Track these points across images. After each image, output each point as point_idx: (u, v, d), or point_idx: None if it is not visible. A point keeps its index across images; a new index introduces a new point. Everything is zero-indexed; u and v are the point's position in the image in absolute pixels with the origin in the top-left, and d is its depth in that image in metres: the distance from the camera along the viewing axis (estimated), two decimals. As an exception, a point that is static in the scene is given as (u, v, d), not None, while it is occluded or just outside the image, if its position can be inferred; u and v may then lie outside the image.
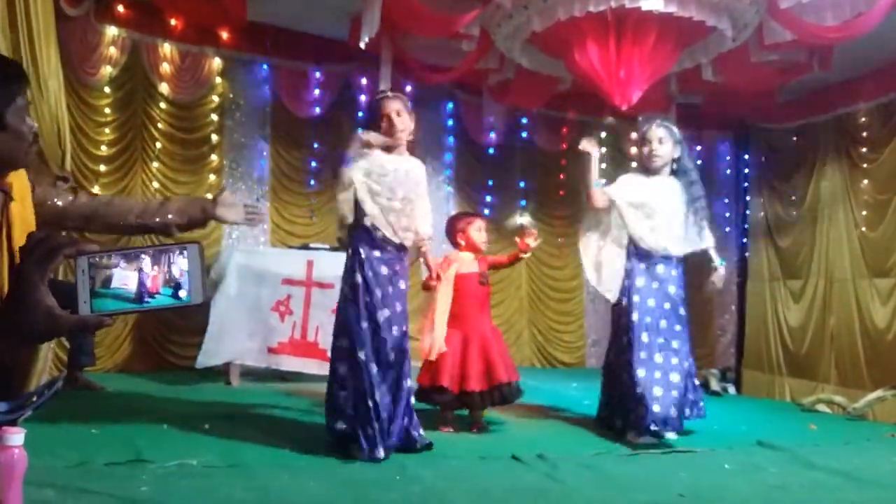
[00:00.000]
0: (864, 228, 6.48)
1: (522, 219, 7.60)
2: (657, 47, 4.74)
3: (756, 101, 6.72)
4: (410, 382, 3.56)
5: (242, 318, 5.12)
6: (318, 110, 6.59)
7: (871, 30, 4.62)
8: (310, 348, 5.14)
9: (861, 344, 6.36)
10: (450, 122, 7.32)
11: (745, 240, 7.89)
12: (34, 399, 1.98)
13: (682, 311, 4.17)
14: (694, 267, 8.11)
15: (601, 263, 4.25)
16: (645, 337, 4.01)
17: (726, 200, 8.18)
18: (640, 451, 3.73)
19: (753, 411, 5.64)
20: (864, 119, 6.53)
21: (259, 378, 5.39)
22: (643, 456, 3.64)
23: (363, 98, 6.63)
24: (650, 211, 4.08)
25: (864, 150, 6.53)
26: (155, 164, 6.03)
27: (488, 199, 7.49)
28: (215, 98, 6.28)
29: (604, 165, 7.87)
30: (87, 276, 0.98)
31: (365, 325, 3.38)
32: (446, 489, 2.85)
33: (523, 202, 7.56)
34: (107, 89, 5.83)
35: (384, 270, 3.46)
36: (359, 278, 3.42)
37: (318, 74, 6.53)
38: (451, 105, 7.24)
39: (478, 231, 4.26)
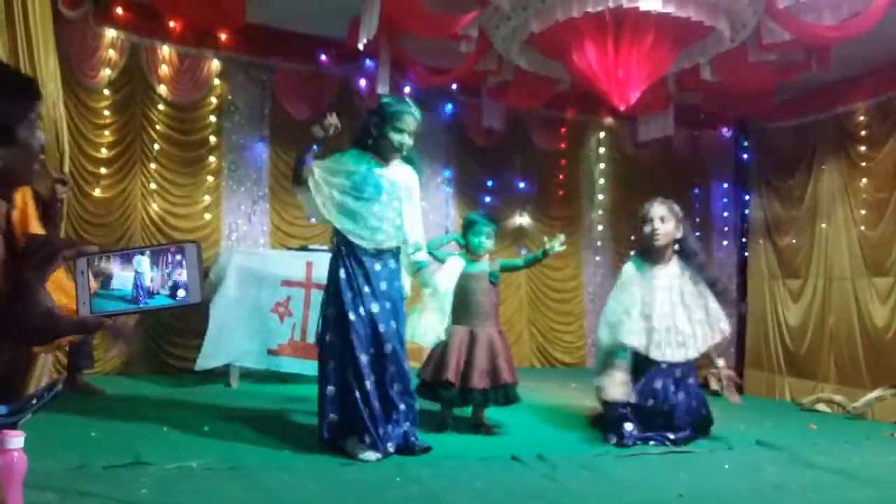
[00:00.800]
0: (862, 227, 6.49)
1: (522, 219, 7.64)
2: (655, 47, 4.75)
3: (754, 101, 6.72)
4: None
5: (242, 320, 5.12)
6: (316, 112, 6.58)
7: (868, 29, 4.63)
8: (309, 350, 5.12)
9: (860, 343, 6.36)
10: (448, 123, 7.32)
11: (744, 239, 7.90)
12: (34, 402, 1.99)
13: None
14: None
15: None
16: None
17: (725, 200, 8.20)
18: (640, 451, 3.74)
19: (753, 411, 5.64)
20: (862, 118, 6.54)
21: (259, 380, 5.39)
22: (642, 456, 3.64)
23: (362, 100, 6.64)
24: (648, 311, 4.03)
25: (862, 148, 6.54)
26: (153, 166, 6.02)
27: (487, 199, 7.49)
28: (214, 100, 6.28)
29: (602, 165, 7.90)
30: (87, 278, 0.99)
31: (352, 317, 3.42)
32: (445, 489, 2.86)
33: (523, 205, 7.57)
34: (106, 91, 5.82)
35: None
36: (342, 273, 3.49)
37: (316, 76, 6.53)
38: (449, 106, 7.24)
39: (473, 235, 4.26)
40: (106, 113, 5.84)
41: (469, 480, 3.05)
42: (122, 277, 1.00)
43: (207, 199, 6.24)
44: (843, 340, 6.55)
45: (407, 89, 6.52)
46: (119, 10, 5.71)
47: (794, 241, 7.23)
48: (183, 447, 3.30)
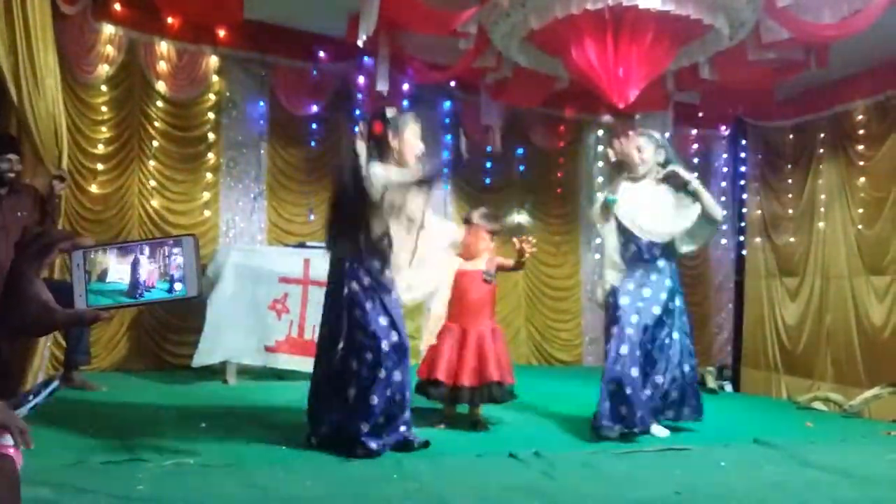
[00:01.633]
0: (860, 226, 6.50)
1: (520, 217, 7.63)
2: (654, 45, 4.75)
3: (753, 99, 6.74)
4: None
5: (239, 317, 5.12)
6: (315, 108, 6.58)
7: (867, 28, 4.63)
8: (307, 347, 5.13)
9: (857, 341, 6.37)
10: (447, 121, 7.32)
11: (741, 237, 7.91)
12: (31, 398, 1.99)
13: (663, 311, 4.10)
14: (689, 264, 8.14)
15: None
16: (611, 330, 4.05)
17: (723, 198, 8.19)
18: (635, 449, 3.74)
19: (750, 409, 5.65)
20: (860, 117, 6.55)
21: (256, 376, 5.38)
22: (640, 454, 3.64)
23: (360, 96, 6.64)
24: (636, 213, 4.11)
25: (860, 147, 6.55)
26: (152, 163, 6.02)
27: (486, 197, 7.48)
28: (212, 96, 6.27)
29: (600, 164, 7.90)
30: (83, 271, 0.99)
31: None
32: (444, 487, 2.86)
33: (526, 204, 7.56)
34: (104, 87, 5.81)
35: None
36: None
37: (315, 72, 6.52)
38: (448, 103, 7.24)
39: (471, 236, 4.27)
40: (104, 109, 5.83)
41: (467, 477, 3.06)
42: (118, 270, 0.99)
43: (206, 195, 6.24)
44: (840, 339, 6.56)
45: (406, 86, 6.52)
46: (117, 7, 5.70)
47: (792, 239, 7.24)
48: (180, 444, 3.30)
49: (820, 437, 4.38)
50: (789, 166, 7.33)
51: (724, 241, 8.14)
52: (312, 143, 6.65)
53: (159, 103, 6.06)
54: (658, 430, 4.04)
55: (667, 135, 6.87)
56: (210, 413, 4.02)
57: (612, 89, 4.78)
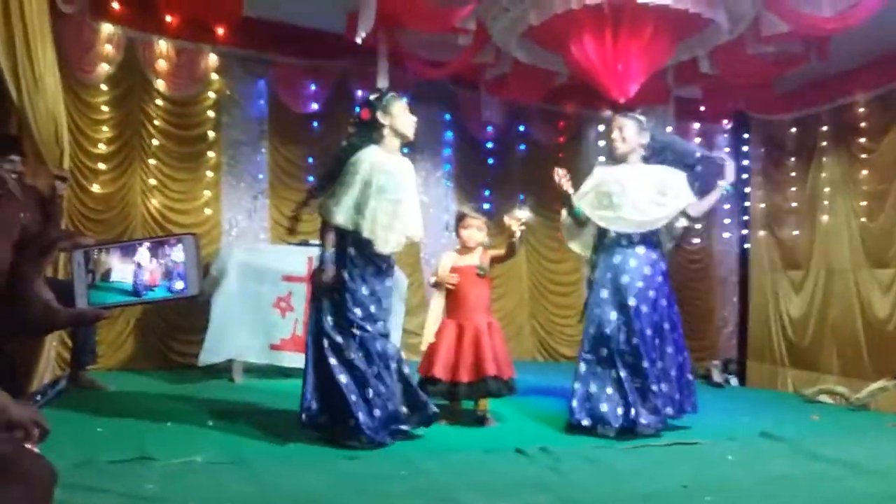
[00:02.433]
0: (863, 219, 6.49)
1: (522, 213, 7.61)
2: (654, 40, 4.74)
3: (754, 93, 6.72)
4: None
5: (244, 315, 5.12)
6: (315, 106, 6.58)
7: (867, 20, 4.62)
8: (311, 345, 5.14)
9: (862, 334, 6.36)
10: (447, 117, 7.31)
11: (745, 231, 7.89)
12: (38, 399, 1.98)
13: (646, 304, 4.04)
14: (693, 258, 8.14)
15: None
16: (588, 327, 4.07)
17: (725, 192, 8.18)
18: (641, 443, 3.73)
19: (756, 402, 5.65)
20: (862, 109, 6.53)
21: (262, 374, 5.39)
22: (646, 448, 3.64)
23: (360, 93, 6.62)
24: (612, 197, 4.11)
25: (862, 140, 6.53)
26: (152, 162, 6.01)
27: (487, 193, 7.48)
28: (212, 95, 6.26)
29: (602, 159, 7.89)
30: (84, 270, 0.99)
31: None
32: (451, 482, 2.86)
33: (521, 196, 7.55)
34: (103, 87, 5.81)
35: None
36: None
37: (314, 70, 6.51)
38: (448, 100, 7.23)
39: (463, 229, 4.29)
40: (104, 108, 5.82)
41: (474, 473, 3.06)
42: (119, 269, 1.00)
43: (207, 194, 6.24)
44: (845, 332, 6.55)
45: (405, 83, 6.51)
46: (115, 5, 5.68)
47: (795, 233, 7.23)
48: (187, 442, 3.30)
49: (826, 430, 4.39)
50: (792, 160, 7.31)
51: (727, 234, 8.13)
52: (313, 141, 6.64)
53: (159, 102, 6.05)
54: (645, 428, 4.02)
55: (668, 129, 6.90)
56: (217, 411, 4.03)
57: (612, 84, 4.78)
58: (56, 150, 4.59)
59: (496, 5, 4.97)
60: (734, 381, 7.09)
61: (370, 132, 3.64)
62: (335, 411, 3.44)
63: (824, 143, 6.93)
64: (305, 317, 5.16)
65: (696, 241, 8.13)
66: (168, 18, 5.85)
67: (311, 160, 6.59)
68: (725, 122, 7.99)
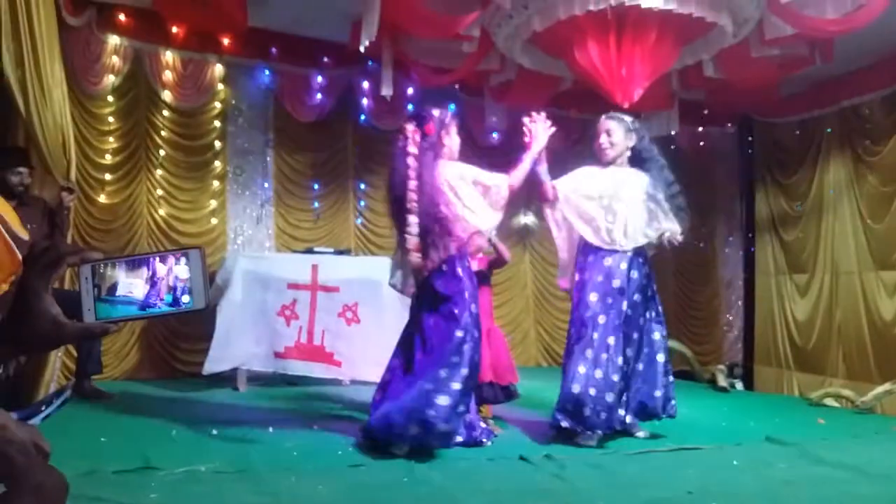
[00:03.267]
0: (869, 221, 6.47)
1: (526, 218, 7.63)
2: (658, 44, 4.74)
3: (758, 96, 6.71)
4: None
5: (249, 324, 5.13)
6: (320, 114, 6.60)
7: (871, 22, 4.61)
8: (316, 352, 5.15)
9: (868, 337, 6.34)
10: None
11: (750, 234, 7.88)
12: (43, 408, 1.99)
13: (629, 306, 3.96)
14: (698, 262, 8.12)
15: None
16: (576, 331, 3.95)
17: (730, 196, 8.18)
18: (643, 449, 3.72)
19: (761, 406, 5.63)
20: (867, 111, 6.52)
21: (266, 383, 5.40)
22: (651, 454, 3.63)
23: (365, 101, 6.65)
24: (602, 200, 4.00)
25: (868, 142, 6.52)
26: (159, 172, 6.04)
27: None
28: (218, 104, 6.29)
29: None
30: (91, 284, 0.99)
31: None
32: (454, 490, 2.86)
33: (525, 204, 7.56)
34: (110, 98, 5.84)
35: None
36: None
37: (319, 78, 6.54)
38: (452, 107, 7.22)
39: None
40: (110, 119, 5.86)
41: (478, 481, 3.06)
42: (126, 284, 1.00)
43: (213, 203, 6.26)
44: (850, 335, 6.53)
45: (410, 90, 6.52)
46: (122, 17, 5.72)
47: (801, 235, 7.21)
48: (192, 451, 3.31)
49: (832, 433, 4.36)
50: (796, 162, 7.30)
51: (731, 238, 8.12)
52: (318, 149, 6.67)
53: (165, 112, 6.08)
54: (639, 432, 4.01)
55: (672, 132, 6.90)
56: (221, 420, 4.04)
57: (617, 89, 4.77)
58: (63, 162, 4.62)
59: (500, 12, 4.98)
60: (739, 385, 7.06)
61: (431, 147, 3.68)
62: None
63: (829, 146, 6.91)
64: (310, 324, 5.19)
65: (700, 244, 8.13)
66: (174, 29, 5.90)
67: (316, 168, 6.61)
68: (730, 125, 7.98)
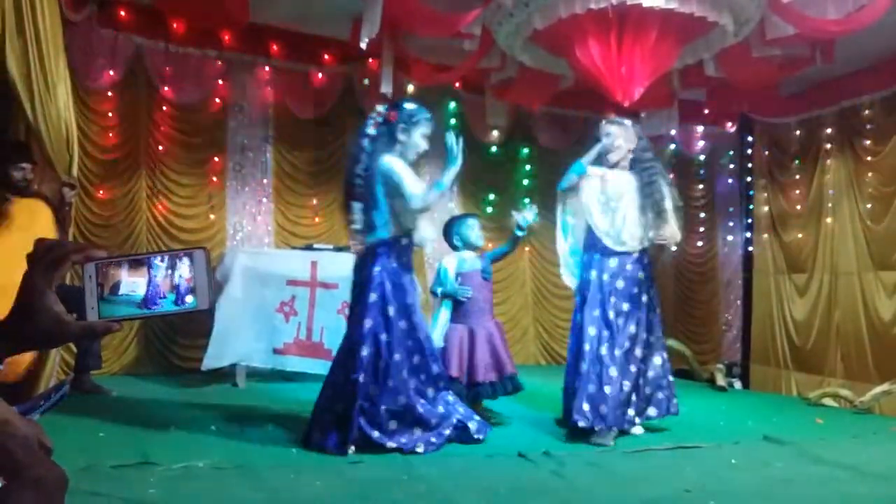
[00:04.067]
0: (868, 221, 6.47)
1: (530, 212, 7.61)
2: (659, 43, 4.74)
3: (759, 96, 6.71)
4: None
5: (248, 320, 5.13)
6: (320, 111, 6.59)
7: (873, 23, 4.61)
8: (315, 349, 5.15)
9: (867, 337, 6.34)
10: (452, 122, 7.32)
11: (749, 234, 7.88)
12: (42, 403, 1.99)
13: (633, 305, 4.01)
14: (697, 262, 8.12)
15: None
16: (592, 331, 3.96)
17: (730, 195, 8.17)
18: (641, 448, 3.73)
19: (760, 406, 5.63)
20: (867, 112, 6.52)
21: (265, 379, 5.40)
22: (649, 452, 3.64)
23: (365, 98, 6.64)
24: (610, 202, 4.05)
25: (868, 142, 6.52)
26: (158, 167, 6.04)
27: (492, 197, 7.49)
28: (218, 100, 6.29)
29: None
30: (95, 283, 0.99)
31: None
32: (453, 487, 2.86)
33: (527, 200, 7.55)
34: (110, 94, 5.83)
35: None
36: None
37: (319, 75, 6.54)
38: (453, 104, 7.24)
39: (470, 230, 4.34)
40: (110, 115, 5.85)
41: (476, 478, 3.06)
42: (129, 283, 1.00)
43: (212, 199, 6.26)
44: (849, 335, 6.53)
45: (410, 88, 6.52)
46: (122, 13, 5.71)
47: (800, 235, 7.21)
48: (190, 447, 3.31)
49: (830, 433, 4.37)
50: (796, 162, 7.30)
51: (731, 237, 8.12)
52: (318, 146, 6.67)
53: (165, 108, 6.07)
54: (635, 428, 4.02)
55: (672, 132, 6.90)
56: (220, 416, 4.04)
57: (617, 88, 4.77)
58: (66, 157, 4.61)
59: (501, 10, 4.97)
60: (738, 384, 7.07)
61: (386, 134, 3.67)
62: None
63: (829, 146, 6.91)
64: (309, 321, 5.19)
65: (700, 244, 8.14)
66: (174, 25, 5.88)
67: (315, 165, 6.62)
68: (730, 124, 7.98)
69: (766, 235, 7.62)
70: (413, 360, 3.55)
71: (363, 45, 4.94)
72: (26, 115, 4.31)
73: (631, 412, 3.92)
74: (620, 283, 3.98)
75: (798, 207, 7.25)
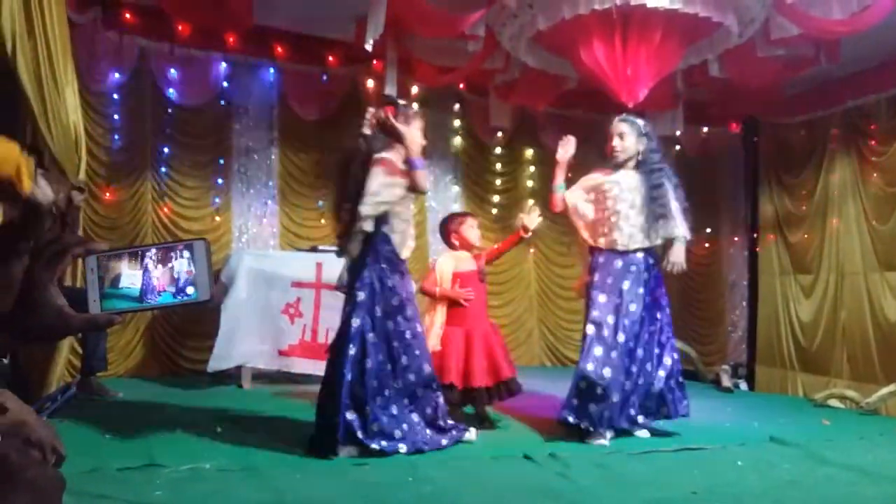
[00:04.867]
0: (874, 222, 6.45)
1: (534, 213, 7.60)
2: (663, 44, 4.73)
3: (763, 96, 6.69)
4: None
5: (253, 322, 5.14)
6: (325, 113, 6.60)
7: (878, 23, 4.60)
8: (320, 350, 5.14)
9: (873, 338, 6.32)
10: (456, 123, 7.33)
11: (754, 235, 7.86)
12: (48, 405, 2.00)
13: (638, 306, 3.98)
14: (702, 262, 8.09)
15: None
16: (595, 331, 3.93)
17: (735, 196, 8.16)
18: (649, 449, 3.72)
19: (766, 407, 5.62)
20: (872, 112, 6.50)
21: (270, 381, 5.41)
22: (655, 454, 3.63)
23: (369, 100, 6.65)
24: (608, 202, 4.04)
25: (873, 142, 6.50)
26: (164, 169, 6.06)
27: (496, 199, 7.49)
28: (223, 102, 6.30)
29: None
30: (97, 276, 1.00)
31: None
32: (458, 489, 2.86)
33: (531, 202, 7.55)
34: (115, 96, 5.85)
35: None
36: None
37: (324, 77, 6.54)
38: (457, 105, 7.24)
39: (470, 229, 4.32)
40: (115, 117, 5.87)
41: (482, 480, 3.06)
42: (131, 275, 1.01)
43: (217, 201, 6.27)
44: (855, 336, 6.51)
45: (415, 89, 6.52)
46: (127, 15, 5.72)
47: (806, 236, 7.19)
48: (196, 449, 3.32)
49: (837, 434, 4.35)
50: (801, 163, 7.28)
51: (736, 238, 8.10)
52: (323, 147, 6.67)
53: (170, 110, 6.09)
54: (640, 431, 4.01)
55: (677, 132, 6.88)
56: (226, 418, 4.05)
57: (622, 88, 4.77)
58: (74, 160, 4.62)
59: (505, 11, 4.97)
60: (743, 385, 7.06)
61: (384, 133, 3.63)
62: None
63: (834, 146, 6.89)
64: (314, 323, 5.19)
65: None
66: (179, 27, 5.89)
67: (320, 166, 6.62)
68: (735, 125, 7.97)
69: (771, 236, 7.60)
70: (391, 366, 3.52)
71: (368, 47, 4.94)
72: (35, 118, 4.32)
73: (632, 412, 3.91)
74: (626, 284, 3.96)
75: (803, 208, 7.22)
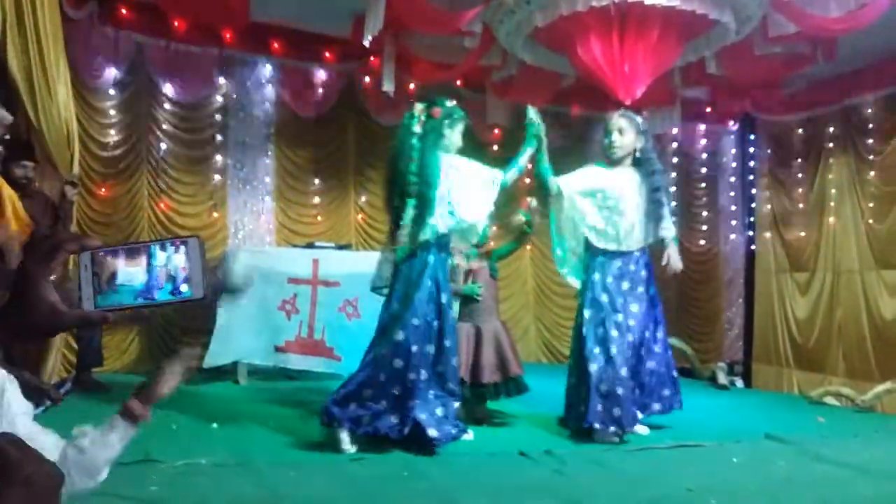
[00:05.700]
0: (870, 220, 6.46)
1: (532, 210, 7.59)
2: (661, 41, 4.73)
3: (761, 94, 6.70)
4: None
5: (249, 318, 5.13)
6: (321, 109, 6.59)
7: (875, 20, 4.61)
8: (317, 346, 5.15)
9: (869, 336, 6.34)
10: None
11: (751, 233, 7.88)
12: (45, 400, 1.99)
13: (639, 305, 4.00)
14: (699, 260, 8.11)
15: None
16: (592, 331, 3.93)
17: (732, 194, 8.17)
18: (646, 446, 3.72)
19: (761, 404, 5.63)
20: (870, 110, 6.51)
21: (267, 377, 5.40)
22: (651, 451, 3.63)
23: (366, 96, 6.64)
24: (608, 201, 4.00)
25: (870, 141, 6.51)
26: (160, 165, 6.04)
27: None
28: (219, 98, 6.29)
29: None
30: (91, 272, 0.99)
31: None
32: (454, 486, 2.86)
33: (529, 198, 7.53)
34: (111, 91, 5.84)
35: None
36: None
37: (321, 73, 6.53)
38: (454, 102, 7.21)
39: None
40: (112, 112, 5.85)
41: (477, 476, 3.06)
42: (125, 272, 1.00)
43: (214, 197, 6.26)
44: (851, 333, 6.53)
45: (412, 86, 6.51)
46: (123, 10, 5.71)
47: (802, 234, 7.21)
48: (192, 444, 3.31)
49: (832, 432, 4.36)
50: (798, 161, 7.30)
51: (733, 236, 8.11)
52: (319, 144, 6.66)
53: (167, 106, 6.08)
54: (640, 428, 4.01)
55: (675, 130, 6.89)
56: (221, 413, 4.04)
57: (619, 85, 4.77)
58: (67, 155, 4.62)
59: (502, 8, 4.97)
60: (740, 382, 7.06)
61: (433, 131, 3.68)
62: None
63: (831, 145, 6.91)
64: (310, 319, 5.18)
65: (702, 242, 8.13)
66: (175, 23, 5.87)
67: (316, 163, 6.62)
68: (732, 123, 7.98)
69: (768, 234, 7.62)
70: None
71: (366, 43, 4.94)
72: (27, 113, 4.30)
73: (633, 409, 3.92)
74: (626, 285, 3.97)
75: (800, 206, 7.24)
